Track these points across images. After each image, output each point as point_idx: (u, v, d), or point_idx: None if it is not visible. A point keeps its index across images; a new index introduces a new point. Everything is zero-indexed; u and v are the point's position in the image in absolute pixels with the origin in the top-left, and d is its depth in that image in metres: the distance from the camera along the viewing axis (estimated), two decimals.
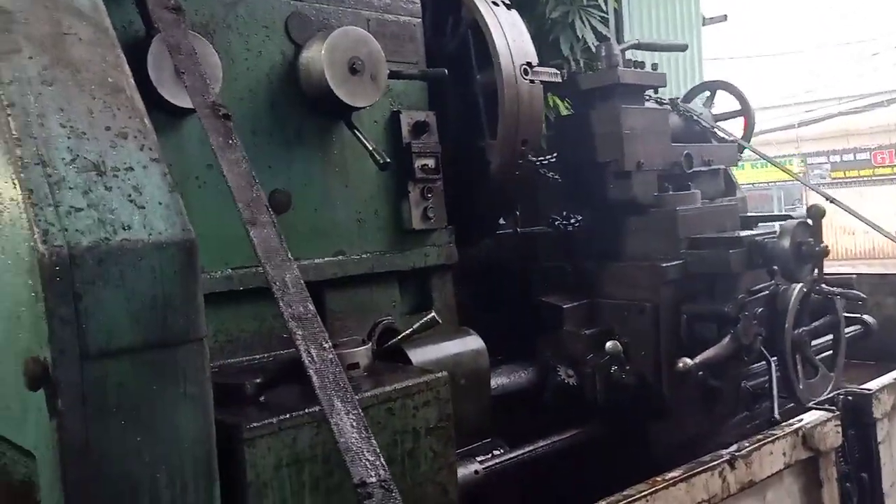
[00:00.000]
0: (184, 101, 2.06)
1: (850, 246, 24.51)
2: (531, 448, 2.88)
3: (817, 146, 27.59)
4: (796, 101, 28.47)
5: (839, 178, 27.26)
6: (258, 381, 2.03)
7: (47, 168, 1.54)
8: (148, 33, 2.10)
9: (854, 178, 27.12)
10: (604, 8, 6.38)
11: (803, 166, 27.56)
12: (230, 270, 2.26)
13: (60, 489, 1.45)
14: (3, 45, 1.63)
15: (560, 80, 3.15)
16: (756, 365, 3.46)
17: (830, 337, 3.65)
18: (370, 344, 2.34)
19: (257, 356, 2.33)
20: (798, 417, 2.38)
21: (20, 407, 1.57)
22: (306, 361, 1.51)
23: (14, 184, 1.52)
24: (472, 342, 2.72)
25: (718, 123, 4.29)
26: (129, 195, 1.61)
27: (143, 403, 1.54)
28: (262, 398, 2.00)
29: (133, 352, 1.53)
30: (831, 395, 2.66)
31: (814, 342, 3.52)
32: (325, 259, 2.50)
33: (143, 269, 1.55)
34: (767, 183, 26.35)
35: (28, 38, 1.68)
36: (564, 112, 4.53)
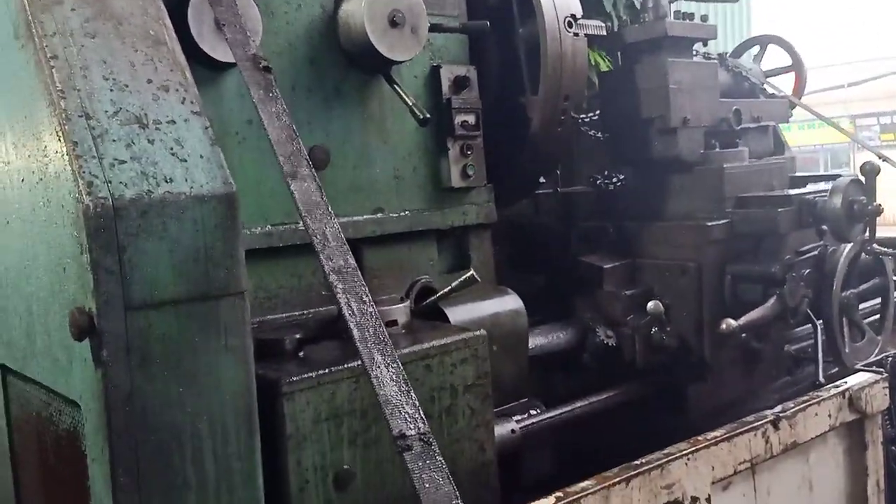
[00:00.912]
0: (223, 55, 2.04)
1: None
2: (569, 408, 2.87)
3: (867, 107, 26.67)
4: (844, 60, 27.46)
5: (889, 140, 26.37)
6: (298, 336, 2.04)
7: (91, 120, 1.55)
8: None
9: None
10: None
11: (852, 127, 26.73)
12: (269, 227, 2.26)
13: (105, 437, 1.48)
14: None
15: (605, 34, 3.06)
16: (799, 328, 3.40)
17: (879, 300, 3.55)
18: (408, 302, 2.33)
19: (296, 312, 2.35)
20: (845, 379, 2.33)
21: (66, 357, 1.60)
22: (346, 314, 1.51)
23: (59, 136, 1.53)
24: (511, 302, 2.70)
25: (769, 80, 4.15)
26: (171, 148, 1.61)
27: (186, 355, 1.57)
28: (301, 353, 2.02)
29: (176, 303, 1.55)
30: (879, 357, 2.59)
31: (862, 305, 3.44)
32: (364, 216, 2.49)
33: (185, 222, 1.56)
34: (814, 145, 25.59)
35: None
36: (605, 69, 4.43)
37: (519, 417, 2.68)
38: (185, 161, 1.60)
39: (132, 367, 1.50)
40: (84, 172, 1.47)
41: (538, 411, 2.77)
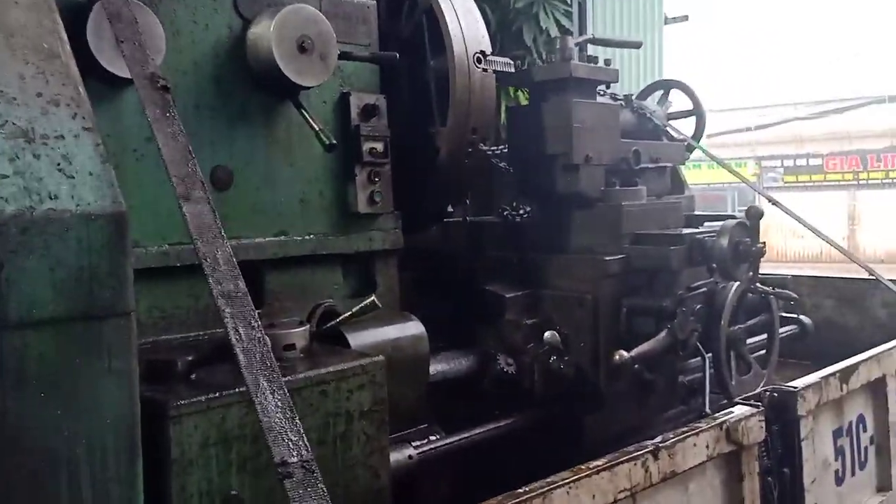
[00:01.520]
0: (123, 71, 2.01)
1: (798, 249, 25.16)
2: (467, 435, 2.91)
3: (772, 150, 28.20)
4: (753, 104, 29.04)
5: (792, 182, 27.93)
6: (189, 358, 2.01)
7: None
8: (89, 0, 2.05)
9: (806, 182, 27.80)
10: (568, 1, 6.43)
11: (758, 169, 28.17)
12: (166, 246, 2.23)
13: None
14: None
15: (512, 70, 3.17)
16: (693, 360, 3.55)
17: (765, 335, 3.75)
18: (308, 325, 2.33)
19: (192, 334, 2.31)
20: (724, 411, 2.45)
21: None
22: (233, 339, 1.51)
23: None
24: (413, 327, 2.73)
25: (671, 122, 4.36)
26: (59, 164, 1.57)
27: (65, 377, 1.52)
28: (192, 376, 1.98)
29: (55, 323, 1.51)
30: (757, 391, 2.74)
31: (749, 340, 3.62)
32: (267, 238, 2.48)
33: (69, 240, 1.52)
34: (722, 184, 26.84)
35: None
36: (524, 103, 4.56)
37: (417, 443, 2.70)
38: (73, 178, 1.57)
39: (6, 388, 1.45)
40: None
41: (437, 437, 2.80)
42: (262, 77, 2.40)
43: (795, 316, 4.11)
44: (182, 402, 1.80)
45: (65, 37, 1.75)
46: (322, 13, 2.47)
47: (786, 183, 27.87)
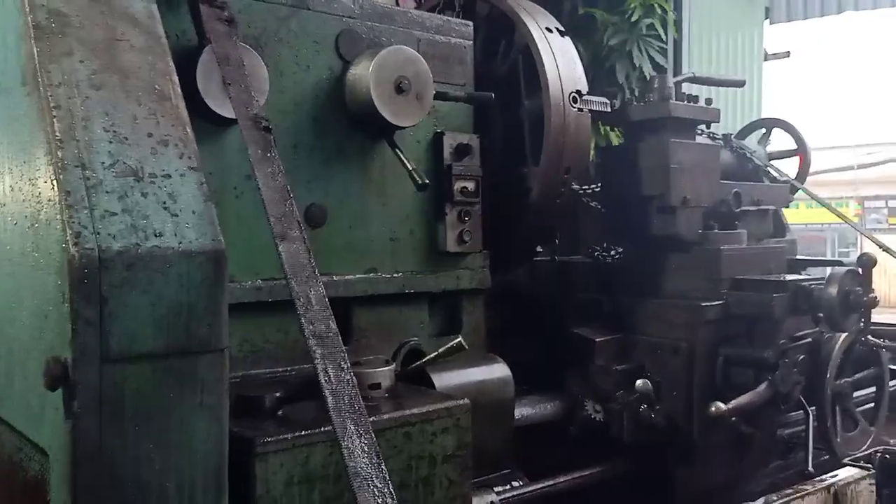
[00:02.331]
0: (228, 112, 2.08)
1: None
2: (551, 482, 2.83)
3: (876, 189, 26.82)
4: (856, 142, 27.75)
5: None
6: (278, 394, 2.02)
7: (86, 171, 1.56)
8: (200, 43, 2.13)
9: None
10: (663, 38, 6.32)
11: (860, 209, 26.82)
12: (260, 281, 2.27)
13: (69, 490, 1.46)
14: (56, 47, 1.67)
15: (609, 110, 3.11)
16: (794, 413, 3.36)
17: (874, 389, 3.51)
18: (394, 365, 2.31)
19: (280, 369, 2.33)
20: (832, 473, 2.28)
21: (39, 404, 1.59)
22: (323, 381, 1.50)
23: (52, 184, 1.55)
24: (499, 370, 2.68)
25: (772, 162, 4.18)
26: (164, 202, 1.62)
27: (159, 410, 1.55)
28: (280, 412, 2.00)
29: (154, 358, 1.55)
30: (868, 451, 2.55)
31: (856, 394, 3.40)
32: (356, 276, 2.49)
33: (170, 277, 1.56)
34: (822, 224, 25.67)
35: (81, 42, 1.72)
36: (616, 142, 4.48)
37: (500, 489, 2.64)
38: (177, 216, 1.62)
39: (103, 421, 1.49)
40: (73, 222, 1.48)
41: (520, 483, 2.73)
42: (360, 117, 2.44)
43: None
44: (269, 440, 1.80)
45: (176, 80, 1.82)
46: (420, 53, 2.50)
47: (891, 224, 26.40)
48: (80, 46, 1.71)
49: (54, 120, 1.58)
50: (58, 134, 1.57)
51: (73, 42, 1.71)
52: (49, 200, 1.55)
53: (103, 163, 1.59)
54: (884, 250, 4.34)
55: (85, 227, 1.49)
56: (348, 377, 1.54)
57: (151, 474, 1.54)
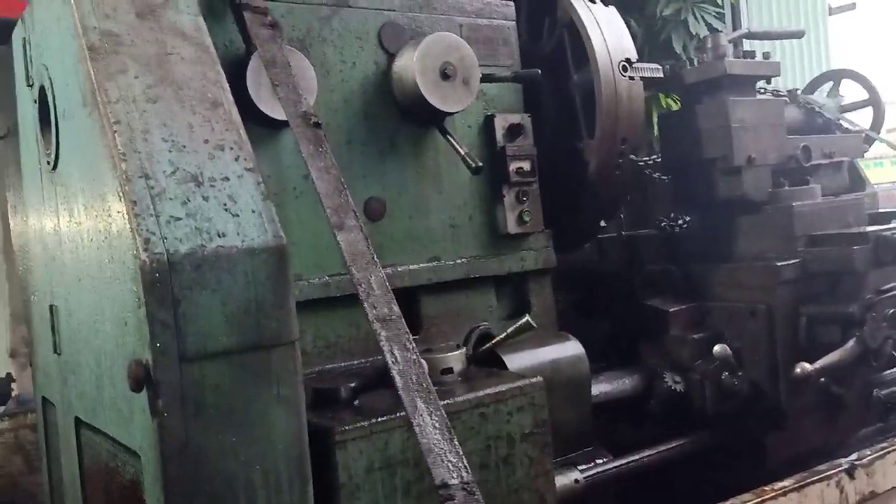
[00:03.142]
0: (280, 113, 2.13)
1: None
2: (636, 457, 2.78)
3: None
4: None
5: None
6: (353, 385, 2.06)
7: (150, 181, 1.63)
8: (247, 50, 2.19)
9: None
10: (719, 2, 6.14)
11: None
12: (327, 277, 2.31)
13: (161, 487, 1.52)
14: (111, 66, 1.75)
15: (661, 75, 3.04)
16: (890, 372, 3.22)
17: None
18: (465, 349, 2.32)
19: (355, 361, 2.37)
20: None
21: (128, 408, 1.67)
22: (389, 362, 1.53)
23: (120, 196, 1.62)
24: (572, 347, 2.66)
25: (844, 115, 4.01)
26: (225, 204, 1.68)
27: (239, 405, 1.60)
28: (356, 402, 2.03)
29: (228, 354, 1.60)
30: None
31: None
32: (420, 265, 2.51)
33: (237, 274, 1.62)
34: None
35: (134, 59, 1.79)
36: (676, 109, 4.38)
37: (583, 467, 2.62)
38: (238, 216, 1.67)
39: (187, 417, 1.55)
40: (142, 230, 1.55)
41: (604, 460, 2.70)
42: (409, 107, 2.46)
43: None
44: (347, 428, 1.84)
45: (226, 86, 1.88)
46: (463, 38, 2.50)
47: None
48: (133, 63, 1.78)
49: (115, 135, 1.65)
50: (120, 148, 1.64)
51: (126, 59, 1.78)
52: (118, 212, 1.63)
53: (165, 171, 1.65)
54: None
55: (153, 233, 1.55)
56: (414, 357, 1.56)
57: (237, 467, 1.59)
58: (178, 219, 1.61)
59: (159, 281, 1.53)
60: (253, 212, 1.69)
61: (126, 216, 1.59)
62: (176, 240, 1.57)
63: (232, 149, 1.77)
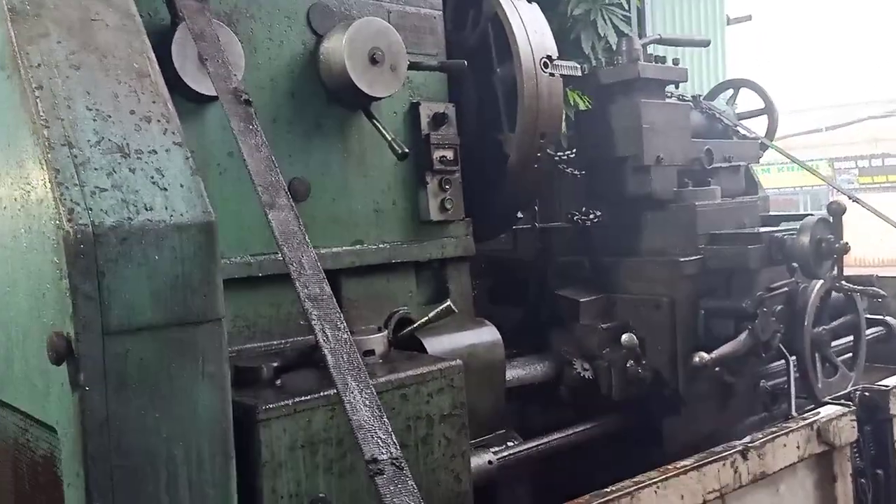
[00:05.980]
0: (206, 89, 2.10)
1: (874, 255, 24.12)
2: (546, 440, 2.89)
3: (845, 151, 27.22)
4: (823, 104, 28.13)
5: (867, 183, 26.88)
6: (275, 364, 2.06)
7: (73, 149, 1.58)
8: (173, 22, 2.14)
9: (883, 183, 26.72)
10: (626, 6, 6.37)
11: (830, 170, 27.22)
12: (249, 257, 2.29)
13: (81, 462, 1.48)
14: (32, 29, 1.68)
15: (580, 74, 3.16)
16: (775, 364, 3.45)
17: (851, 337, 3.62)
18: (386, 332, 2.36)
19: (275, 342, 2.37)
20: (814, 410, 2.37)
21: (43, 382, 1.61)
22: (321, 340, 1.54)
23: (41, 164, 1.56)
24: (488, 333, 2.73)
25: (741, 122, 4.26)
26: (152, 177, 1.64)
27: (163, 380, 1.58)
28: (278, 382, 2.03)
29: (153, 329, 1.57)
30: (848, 391, 2.64)
31: (834, 343, 3.50)
32: (343, 248, 2.52)
33: (164, 249, 1.59)
34: (794, 188, 26.01)
35: (56, 23, 1.72)
36: (583, 108, 4.52)
37: (496, 449, 2.70)
38: (166, 190, 1.64)
39: (109, 392, 1.51)
40: (65, 199, 1.50)
41: (515, 443, 2.79)
42: (336, 90, 2.46)
43: (881, 317, 3.95)
44: (270, 406, 1.84)
45: (153, 57, 1.83)
46: (391, 25, 2.52)
47: (861, 184, 26.84)
48: (56, 27, 1.72)
49: (37, 100, 1.59)
50: (42, 114, 1.58)
51: (48, 23, 1.71)
52: (39, 181, 1.57)
53: (89, 140, 1.60)
54: (855, 201, 4.47)
55: (77, 203, 1.51)
56: (345, 336, 1.58)
57: (159, 443, 1.57)
58: (104, 190, 1.56)
59: (83, 253, 1.49)
60: (181, 186, 1.67)
61: (48, 185, 1.53)
62: (101, 211, 1.53)
63: (160, 121, 1.73)
